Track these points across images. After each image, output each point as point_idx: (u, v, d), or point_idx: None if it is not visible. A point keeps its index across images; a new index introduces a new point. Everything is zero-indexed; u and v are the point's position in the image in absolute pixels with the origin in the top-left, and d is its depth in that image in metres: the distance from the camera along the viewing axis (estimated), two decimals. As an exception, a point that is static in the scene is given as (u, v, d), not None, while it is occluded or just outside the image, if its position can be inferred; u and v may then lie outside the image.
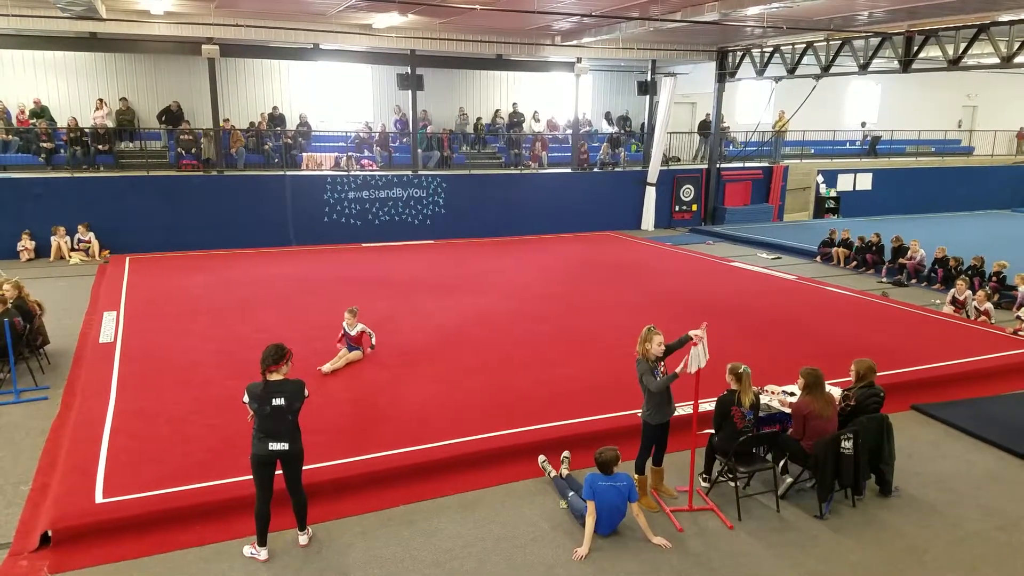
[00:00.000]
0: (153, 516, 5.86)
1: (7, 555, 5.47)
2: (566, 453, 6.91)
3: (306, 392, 5.48)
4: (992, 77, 27.72)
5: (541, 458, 6.91)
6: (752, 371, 6.40)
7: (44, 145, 17.17)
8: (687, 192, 22.69)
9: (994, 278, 13.71)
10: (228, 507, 6.02)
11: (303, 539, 5.70)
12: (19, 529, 5.80)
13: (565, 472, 6.67)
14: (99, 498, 6.03)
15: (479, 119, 22.38)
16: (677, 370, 5.98)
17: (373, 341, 9.61)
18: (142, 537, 5.69)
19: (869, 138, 27.21)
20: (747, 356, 7.09)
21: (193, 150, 17.92)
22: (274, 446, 5.30)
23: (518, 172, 21.00)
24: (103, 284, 13.85)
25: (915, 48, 16.42)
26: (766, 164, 23.83)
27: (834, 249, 17.25)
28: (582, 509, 5.83)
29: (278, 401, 5.28)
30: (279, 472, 5.45)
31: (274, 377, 5.33)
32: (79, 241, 16.37)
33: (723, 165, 23.04)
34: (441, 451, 6.94)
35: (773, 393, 7.18)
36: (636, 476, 6.27)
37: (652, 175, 21.66)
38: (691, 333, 6.04)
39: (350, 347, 9.50)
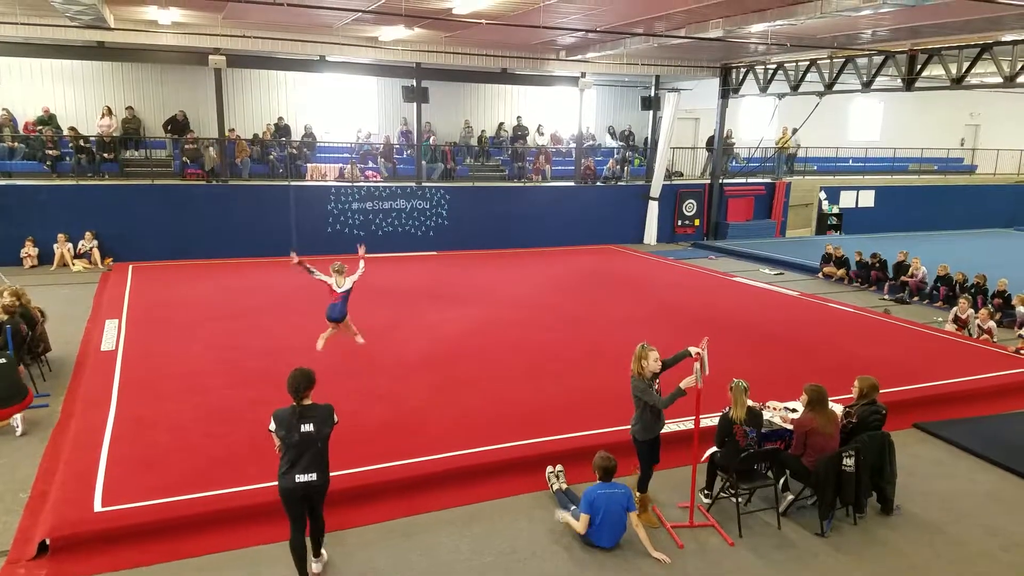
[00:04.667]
0: (152, 525, 5.84)
1: (5, 563, 5.45)
2: (559, 466, 6.89)
3: (335, 417, 5.21)
4: (995, 96, 27.81)
5: (549, 469, 6.88)
6: (753, 386, 6.39)
7: (50, 152, 17.25)
8: (689, 207, 22.72)
9: (997, 298, 13.67)
10: (228, 517, 6.00)
11: (316, 567, 5.45)
12: (17, 536, 5.78)
13: (564, 486, 6.65)
14: (98, 506, 6.01)
15: (483, 132, 22.48)
16: (683, 385, 5.85)
17: (361, 266, 9.76)
18: (141, 546, 5.67)
19: (784, 153, 24.51)
20: (749, 371, 7.09)
21: (198, 159, 17.98)
22: (301, 478, 4.99)
23: (521, 185, 21.06)
24: (105, 292, 13.87)
25: (918, 67, 16.50)
26: (769, 180, 23.88)
27: (828, 268, 17.23)
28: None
29: (307, 427, 4.99)
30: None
31: (305, 402, 5.08)
32: (82, 248, 16.42)
33: (725, 180, 23.10)
34: (441, 463, 6.93)
35: (775, 409, 7.16)
36: (638, 494, 6.25)
37: (655, 189, 21.72)
38: (690, 350, 6.01)
39: (339, 313, 9.56)
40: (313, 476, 5.03)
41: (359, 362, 9.81)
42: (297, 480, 4.99)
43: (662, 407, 6.02)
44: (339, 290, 9.49)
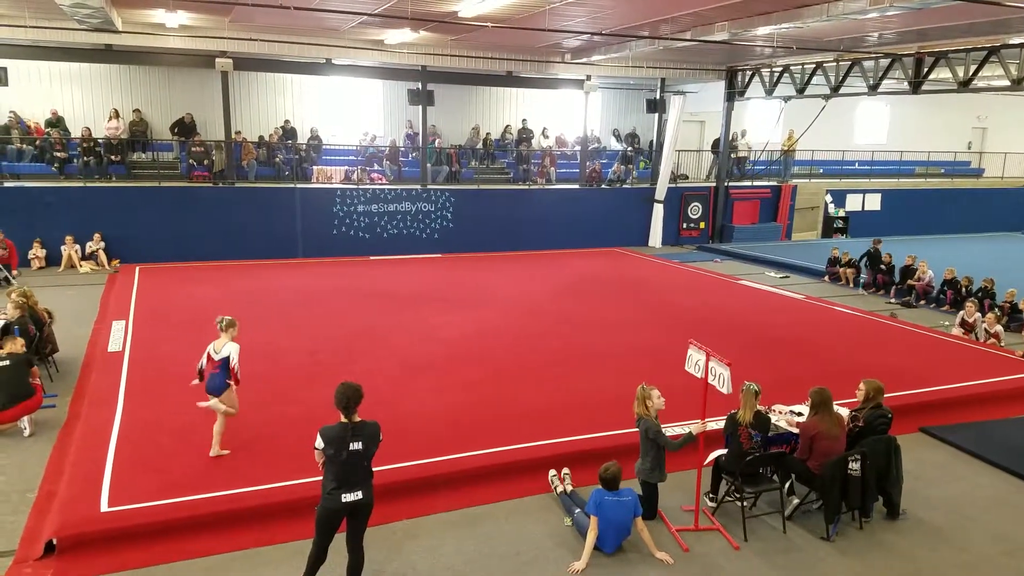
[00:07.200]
0: (158, 525, 5.86)
1: (12, 562, 5.48)
2: (566, 470, 6.89)
3: (380, 436, 5.02)
4: (1002, 99, 27.66)
5: (551, 473, 6.88)
6: (759, 389, 6.37)
7: (58, 155, 17.33)
8: (695, 210, 22.71)
9: (1007, 305, 13.58)
10: (233, 518, 6.02)
11: None
12: (24, 536, 5.81)
13: (569, 488, 6.65)
14: (104, 506, 6.04)
15: (488, 134, 22.52)
16: (694, 431, 6.10)
17: (238, 370, 6.96)
18: (147, 546, 5.70)
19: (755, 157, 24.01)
20: (754, 374, 7.07)
21: (205, 162, 18.06)
22: (347, 497, 4.83)
23: (526, 188, 21.08)
24: (112, 293, 13.92)
25: (925, 69, 16.46)
26: (775, 183, 23.84)
27: (840, 269, 17.21)
28: (587, 526, 5.80)
29: (355, 445, 4.81)
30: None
31: (355, 419, 4.90)
32: (90, 250, 16.50)
33: (731, 183, 23.07)
34: (445, 465, 6.93)
35: (781, 413, 7.15)
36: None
37: (660, 192, 21.71)
38: (692, 431, 6.14)
39: (216, 385, 6.82)
40: (359, 495, 4.88)
41: (362, 365, 9.83)
42: (344, 500, 4.84)
43: (672, 449, 6.10)
44: (216, 357, 6.90)
